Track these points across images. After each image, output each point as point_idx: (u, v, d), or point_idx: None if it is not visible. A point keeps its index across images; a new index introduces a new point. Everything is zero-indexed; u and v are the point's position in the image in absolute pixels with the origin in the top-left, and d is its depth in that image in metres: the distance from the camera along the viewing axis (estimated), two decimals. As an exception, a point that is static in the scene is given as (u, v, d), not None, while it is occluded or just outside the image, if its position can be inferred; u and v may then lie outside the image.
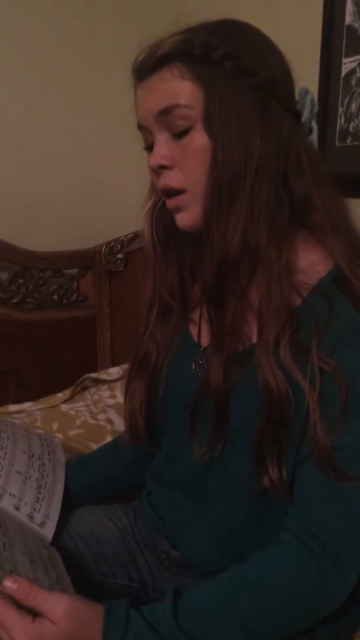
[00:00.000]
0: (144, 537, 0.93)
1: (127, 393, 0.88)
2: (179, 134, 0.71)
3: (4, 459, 0.90)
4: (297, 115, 0.75)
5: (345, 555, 0.68)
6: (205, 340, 0.80)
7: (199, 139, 0.70)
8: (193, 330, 0.83)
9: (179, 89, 0.69)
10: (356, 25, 1.19)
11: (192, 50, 0.68)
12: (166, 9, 1.58)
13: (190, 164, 0.71)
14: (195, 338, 0.82)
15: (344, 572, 0.69)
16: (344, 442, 0.67)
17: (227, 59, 0.68)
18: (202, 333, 0.81)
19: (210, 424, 0.75)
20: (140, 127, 0.76)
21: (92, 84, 1.79)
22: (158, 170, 0.74)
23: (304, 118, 0.75)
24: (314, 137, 0.77)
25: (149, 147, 0.75)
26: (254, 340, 0.73)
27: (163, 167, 0.73)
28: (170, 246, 0.82)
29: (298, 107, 0.75)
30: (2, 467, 0.88)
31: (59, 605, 0.63)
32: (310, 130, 0.76)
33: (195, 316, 0.83)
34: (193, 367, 0.80)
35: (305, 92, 0.75)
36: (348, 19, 1.20)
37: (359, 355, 0.68)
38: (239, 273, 0.72)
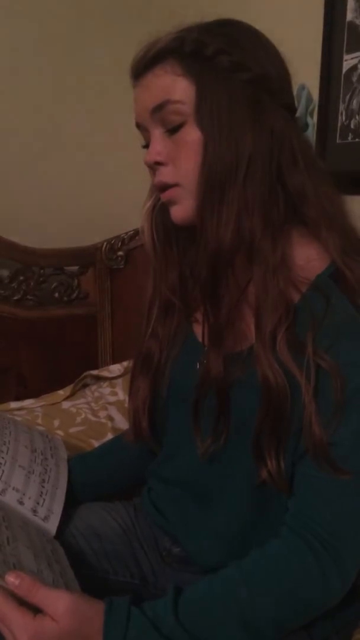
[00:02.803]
0: (145, 533, 0.93)
1: (130, 391, 0.89)
2: (173, 130, 0.72)
3: (6, 453, 0.90)
4: (293, 110, 0.75)
5: (345, 550, 0.69)
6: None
7: (191, 134, 0.70)
8: (197, 329, 0.83)
9: (172, 85, 0.70)
10: (357, 21, 1.19)
11: (184, 47, 0.69)
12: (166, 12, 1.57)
13: (183, 158, 0.72)
14: (200, 337, 0.82)
15: (343, 568, 0.69)
16: (339, 437, 0.67)
17: (219, 55, 0.69)
18: (205, 332, 0.81)
19: (212, 418, 0.75)
20: (138, 125, 0.76)
21: (93, 85, 1.78)
22: (153, 166, 0.74)
23: (298, 113, 0.75)
24: (310, 133, 0.77)
25: (147, 145, 0.76)
26: (254, 340, 0.73)
27: (158, 163, 0.73)
28: (171, 244, 0.83)
29: (294, 102, 0.75)
30: (6, 461, 0.88)
31: (60, 602, 0.63)
32: (306, 126, 0.76)
33: (199, 315, 0.83)
34: (197, 366, 0.80)
35: (302, 87, 0.75)
36: (349, 15, 1.20)
37: (356, 351, 0.68)
38: (234, 267, 0.72)
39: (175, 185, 0.73)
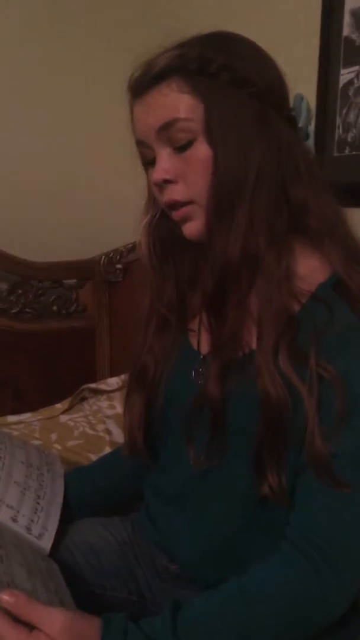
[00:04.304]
0: (142, 550, 0.92)
1: (126, 406, 0.88)
2: (181, 148, 0.71)
3: (2, 470, 0.89)
4: (294, 121, 0.75)
5: (346, 564, 0.68)
6: (204, 348, 0.80)
7: (202, 150, 0.70)
8: (192, 338, 0.83)
9: (179, 103, 0.70)
10: (353, 36, 1.20)
11: (188, 64, 0.69)
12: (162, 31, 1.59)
13: (194, 175, 0.71)
14: (195, 346, 0.81)
15: (344, 582, 0.68)
16: (341, 449, 0.67)
17: (224, 71, 0.69)
18: (201, 341, 0.81)
19: (207, 432, 0.75)
20: (140, 143, 0.76)
21: (91, 99, 1.79)
22: (162, 184, 0.74)
23: (300, 123, 0.76)
24: (311, 143, 0.78)
25: (149, 163, 0.76)
26: (254, 346, 0.72)
27: (167, 182, 0.73)
28: (168, 259, 0.83)
29: (293, 113, 0.76)
30: (0, 478, 0.87)
31: (56, 619, 0.62)
32: (307, 136, 0.77)
33: (194, 325, 0.83)
34: (193, 375, 0.80)
35: (300, 98, 0.75)
36: (346, 30, 1.21)
37: (358, 361, 0.68)
38: (240, 280, 0.72)
39: (189, 202, 0.73)
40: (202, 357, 0.80)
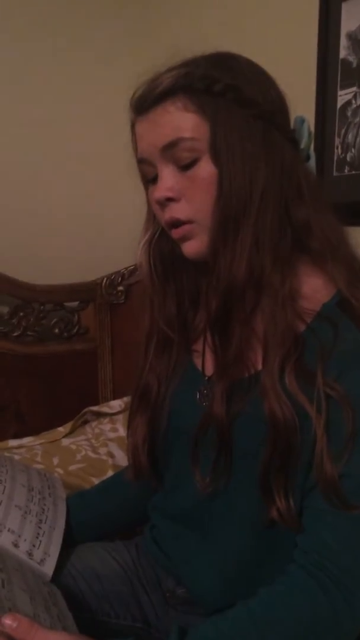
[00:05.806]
0: (147, 574, 0.90)
1: (129, 428, 0.87)
2: (186, 166, 0.71)
3: (2, 493, 0.88)
4: (296, 142, 0.76)
5: (357, 587, 0.66)
6: (209, 369, 0.79)
7: (206, 169, 0.70)
8: (197, 359, 0.82)
9: (184, 122, 0.70)
10: (350, 58, 1.22)
11: (194, 83, 0.69)
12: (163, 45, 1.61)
13: (198, 194, 0.71)
14: (200, 367, 0.81)
15: (355, 605, 0.66)
16: (351, 470, 0.66)
17: (230, 91, 0.69)
18: (206, 362, 0.80)
19: (213, 453, 0.74)
20: (142, 160, 0.76)
21: (93, 118, 1.82)
22: (164, 202, 0.74)
23: (303, 145, 0.76)
24: (312, 164, 0.78)
25: (151, 180, 0.76)
26: (259, 367, 0.72)
27: (170, 200, 0.73)
28: (168, 277, 0.82)
29: (295, 135, 0.76)
30: (1, 501, 0.86)
31: None
32: (309, 157, 0.77)
33: (199, 346, 0.82)
34: (197, 396, 0.79)
35: (302, 120, 0.76)
36: (342, 52, 1.23)
37: None
38: (245, 300, 0.72)
39: (189, 221, 0.73)
40: (206, 378, 0.80)
